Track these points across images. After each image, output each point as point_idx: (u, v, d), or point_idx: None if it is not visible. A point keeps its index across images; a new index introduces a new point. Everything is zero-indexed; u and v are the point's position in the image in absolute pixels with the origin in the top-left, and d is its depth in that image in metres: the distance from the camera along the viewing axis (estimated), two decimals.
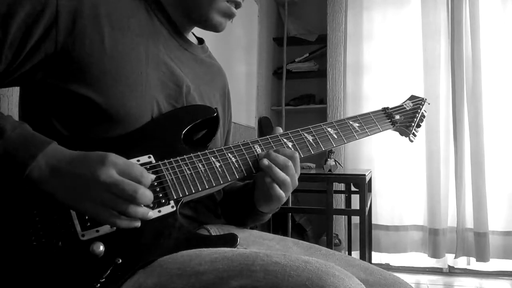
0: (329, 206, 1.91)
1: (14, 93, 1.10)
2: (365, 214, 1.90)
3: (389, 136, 3.15)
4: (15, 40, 0.66)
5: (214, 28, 0.86)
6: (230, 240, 0.72)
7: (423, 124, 1.02)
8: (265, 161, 0.76)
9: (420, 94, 3.11)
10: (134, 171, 0.61)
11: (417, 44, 3.08)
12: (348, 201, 2.79)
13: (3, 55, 0.66)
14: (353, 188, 2.71)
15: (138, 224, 0.62)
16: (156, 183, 0.69)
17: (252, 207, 0.87)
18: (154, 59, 0.78)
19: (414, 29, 3.09)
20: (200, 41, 0.96)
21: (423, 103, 1.05)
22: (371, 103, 3.11)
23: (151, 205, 0.67)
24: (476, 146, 2.90)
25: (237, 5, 0.86)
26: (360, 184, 1.95)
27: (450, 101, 3.00)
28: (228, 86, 1.02)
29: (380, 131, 0.97)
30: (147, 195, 0.60)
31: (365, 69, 3.19)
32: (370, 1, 3.19)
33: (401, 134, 1.03)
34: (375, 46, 3.17)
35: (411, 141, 1.02)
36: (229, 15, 0.86)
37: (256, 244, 0.84)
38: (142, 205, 0.61)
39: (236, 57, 2.62)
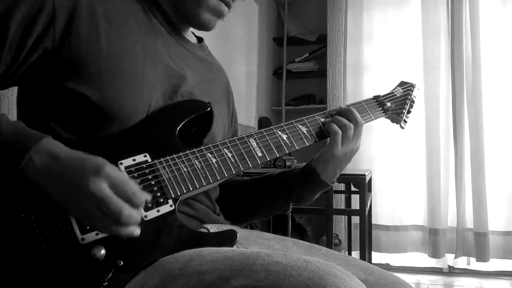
0: (329, 206, 1.91)
1: (14, 93, 1.10)
2: (365, 214, 1.90)
3: (389, 136, 3.16)
4: (14, 41, 0.66)
5: (203, 26, 0.85)
6: (229, 237, 0.72)
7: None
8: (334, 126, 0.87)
9: (420, 94, 3.12)
10: (127, 189, 0.58)
11: (417, 44, 3.07)
12: (348, 201, 2.79)
13: (2, 58, 0.66)
14: (353, 188, 2.71)
15: (134, 232, 0.61)
16: (153, 182, 0.68)
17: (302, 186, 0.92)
18: (152, 57, 0.78)
19: (414, 29, 3.09)
20: (199, 39, 0.96)
21: (412, 88, 1.05)
22: None
23: (150, 205, 0.67)
24: (476, 146, 2.89)
25: (228, 5, 0.85)
26: (360, 184, 1.95)
27: (450, 101, 2.99)
28: (230, 84, 1.02)
29: (373, 120, 0.97)
30: (133, 217, 0.58)
31: (365, 69, 3.19)
32: (370, 1, 3.18)
33: (392, 121, 1.02)
34: (375, 46, 3.17)
35: (402, 127, 1.02)
36: (218, 13, 0.84)
37: (256, 244, 0.84)
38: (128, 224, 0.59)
39: (236, 57, 2.62)
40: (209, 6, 0.82)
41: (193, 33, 0.96)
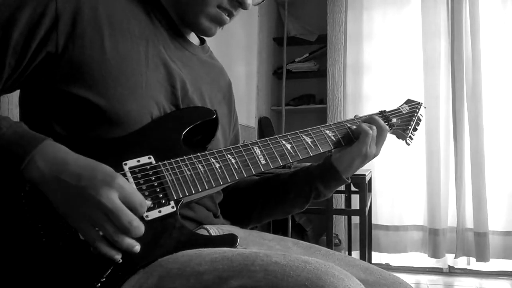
0: (329, 206, 1.91)
1: (14, 93, 1.10)
2: (365, 214, 1.90)
3: (389, 136, 3.14)
4: (18, 46, 0.66)
5: (203, 32, 0.86)
6: (230, 241, 0.72)
7: (423, 124, 1.03)
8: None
9: (420, 94, 3.12)
10: (135, 200, 0.61)
11: (417, 44, 3.08)
12: (348, 201, 2.79)
13: (6, 62, 0.66)
14: (353, 188, 2.71)
15: (118, 257, 0.61)
16: (156, 184, 0.69)
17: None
18: (154, 61, 0.78)
19: (414, 29, 3.09)
20: (202, 41, 0.96)
21: (419, 107, 1.07)
22: (371, 103, 3.11)
23: (152, 205, 0.67)
24: (476, 146, 2.90)
25: (230, 14, 0.85)
26: (360, 184, 1.95)
27: (450, 101, 3.00)
28: (232, 86, 1.02)
29: None
30: (141, 229, 0.61)
31: (365, 69, 3.19)
32: (370, 1, 3.19)
33: (398, 137, 1.03)
34: (375, 46, 3.17)
35: (408, 144, 1.02)
36: (219, 22, 0.84)
37: (256, 244, 0.84)
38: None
39: (236, 57, 2.62)
40: (209, 14, 0.83)
41: (196, 34, 0.96)
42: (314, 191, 0.94)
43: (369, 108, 3.09)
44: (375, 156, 0.92)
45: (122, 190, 0.60)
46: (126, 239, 0.60)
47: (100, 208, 0.59)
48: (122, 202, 0.60)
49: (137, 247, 0.62)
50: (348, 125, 0.92)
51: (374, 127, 0.90)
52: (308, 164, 0.99)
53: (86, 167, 0.61)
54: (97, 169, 0.61)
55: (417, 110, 1.05)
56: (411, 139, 1.02)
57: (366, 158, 0.90)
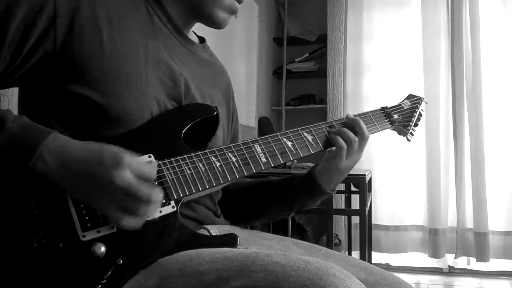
0: (329, 206, 1.91)
1: (14, 93, 1.10)
2: (365, 214, 1.90)
3: (389, 136, 3.14)
4: (14, 41, 0.66)
5: (218, 25, 0.87)
6: (230, 241, 0.72)
7: (423, 124, 1.02)
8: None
9: (420, 94, 3.10)
10: (146, 170, 0.62)
11: (417, 44, 3.07)
12: (348, 201, 2.79)
13: (1, 57, 0.66)
14: (353, 188, 2.71)
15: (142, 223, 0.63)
16: (156, 183, 0.69)
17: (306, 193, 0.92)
18: (154, 58, 0.78)
19: (414, 29, 3.09)
20: (201, 40, 0.96)
21: (420, 102, 1.06)
22: (371, 103, 3.11)
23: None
24: (476, 146, 2.89)
25: (240, 0, 0.87)
26: (360, 184, 1.95)
27: (450, 101, 3.00)
28: (232, 85, 1.02)
29: (379, 131, 0.97)
30: (160, 195, 0.62)
31: (365, 69, 3.19)
32: (370, 1, 3.19)
33: (399, 134, 1.03)
34: (375, 46, 3.17)
35: (409, 140, 1.02)
36: (233, 11, 0.87)
37: (256, 244, 0.84)
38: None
39: (236, 57, 2.62)
40: (224, 6, 0.84)
41: (194, 32, 0.96)
42: (298, 205, 0.95)
43: (369, 108, 3.08)
44: (357, 162, 0.89)
45: (131, 166, 0.61)
46: (151, 208, 0.62)
47: (119, 191, 0.59)
48: (135, 175, 0.61)
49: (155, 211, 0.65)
50: (327, 128, 0.89)
51: (351, 138, 0.86)
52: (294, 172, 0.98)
53: (92, 154, 0.62)
54: (103, 153, 0.61)
55: (418, 105, 1.05)
56: (412, 135, 1.01)
57: (344, 171, 0.89)
